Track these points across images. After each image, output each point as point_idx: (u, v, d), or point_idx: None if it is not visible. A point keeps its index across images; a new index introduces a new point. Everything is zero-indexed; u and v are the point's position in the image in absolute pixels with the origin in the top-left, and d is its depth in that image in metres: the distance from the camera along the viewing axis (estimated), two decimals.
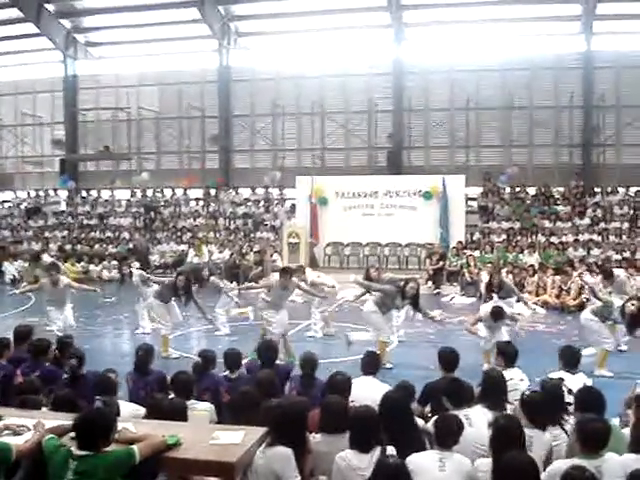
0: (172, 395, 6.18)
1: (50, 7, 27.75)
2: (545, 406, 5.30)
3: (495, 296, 11.50)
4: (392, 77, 26.15)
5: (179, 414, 5.34)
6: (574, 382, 6.26)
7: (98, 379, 6.35)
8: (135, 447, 4.24)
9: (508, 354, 7.05)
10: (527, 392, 5.58)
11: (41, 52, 29.77)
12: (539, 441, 4.95)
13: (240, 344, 9.35)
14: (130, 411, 5.93)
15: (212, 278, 13.11)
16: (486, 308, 10.43)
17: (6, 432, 4.74)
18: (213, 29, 26.93)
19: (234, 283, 14.37)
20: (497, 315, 9.89)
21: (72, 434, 4.31)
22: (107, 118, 28.84)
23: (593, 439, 4.48)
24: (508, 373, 6.52)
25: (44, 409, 5.60)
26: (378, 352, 8.57)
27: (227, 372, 7.15)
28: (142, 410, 5.85)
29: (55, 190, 29.13)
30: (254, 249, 22.57)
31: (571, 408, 5.58)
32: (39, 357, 7.18)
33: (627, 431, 5.19)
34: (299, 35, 27.10)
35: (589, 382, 6.49)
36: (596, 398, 5.42)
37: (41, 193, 29.17)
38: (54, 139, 29.47)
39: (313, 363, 6.94)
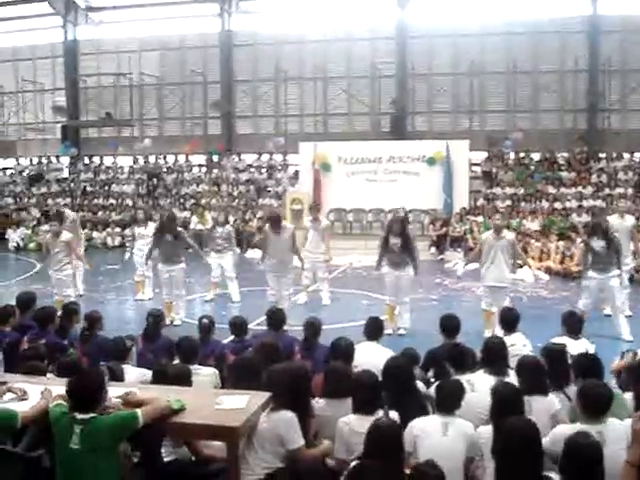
0: (177, 360, 6.25)
1: None
2: (544, 370, 5.34)
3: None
4: (395, 41, 25.88)
5: (184, 379, 5.38)
6: (576, 348, 6.29)
7: (110, 344, 6.41)
8: (139, 410, 4.27)
9: (510, 320, 7.07)
10: (524, 356, 5.62)
11: (41, 17, 29.46)
12: (540, 406, 4.97)
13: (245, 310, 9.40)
14: (137, 376, 5.99)
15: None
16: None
17: (10, 397, 4.79)
18: None
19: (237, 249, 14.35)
20: None
21: None
22: (108, 84, 28.61)
23: (595, 405, 4.50)
24: (510, 339, 6.54)
25: (49, 375, 5.65)
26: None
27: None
28: (149, 375, 5.90)
29: (57, 157, 29.03)
30: (257, 215, 22.60)
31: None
32: (45, 325, 7.23)
33: (628, 395, 5.23)
34: None
35: (591, 348, 6.52)
36: (595, 364, 5.45)
37: (43, 160, 29.07)
38: (55, 106, 29.24)
39: (316, 327, 6.99)
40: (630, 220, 11.89)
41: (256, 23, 27.66)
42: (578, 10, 24.52)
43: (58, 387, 4.69)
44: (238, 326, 7.28)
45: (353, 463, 4.30)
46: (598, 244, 9.88)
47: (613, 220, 11.56)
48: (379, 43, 26.15)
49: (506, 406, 4.55)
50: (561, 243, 17.20)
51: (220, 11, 27.43)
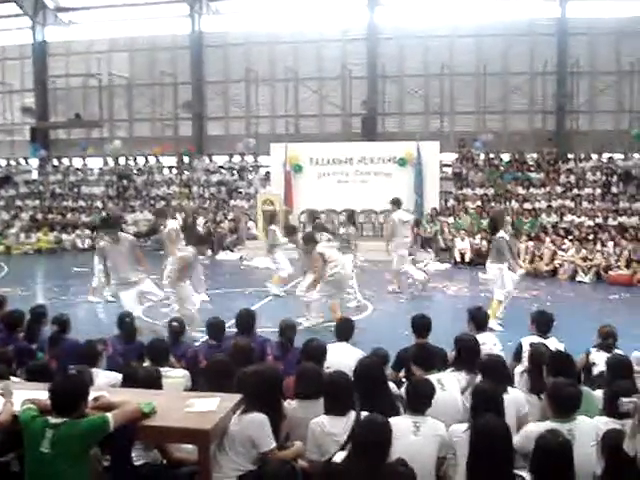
0: (147, 363, 6.21)
1: None
2: (508, 369, 5.42)
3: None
4: (366, 43, 25.98)
5: (154, 382, 5.34)
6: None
7: (81, 348, 6.35)
8: (109, 414, 4.24)
9: (479, 319, 7.12)
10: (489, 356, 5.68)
11: (9, 18, 29.12)
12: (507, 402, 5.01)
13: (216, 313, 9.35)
14: (106, 380, 5.93)
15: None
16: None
17: None
18: None
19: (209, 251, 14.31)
20: None
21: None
22: (78, 85, 28.41)
23: (565, 403, 4.56)
24: (480, 338, 6.58)
25: (17, 379, 5.59)
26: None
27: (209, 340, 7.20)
28: (119, 378, 5.86)
29: (26, 159, 28.70)
30: (228, 217, 22.54)
31: None
32: (13, 329, 7.15)
33: (597, 393, 5.29)
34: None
35: (561, 346, 6.58)
36: (567, 363, 5.52)
37: (12, 162, 28.72)
38: (24, 107, 28.93)
39: (292, 329, 6.99)
40: None
41: (226, 24, 27.64)
42: (547, 13, 24.82)
43: (27, 391, 4.64)
44: (215, 328, 7.17)
45: (333, 459, 4.30)
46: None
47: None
48: (350, 45, 26.22)
49: (487, 404, 4.58)
50: (530, 243, 17.36)
51: (190, 12, 27.31)
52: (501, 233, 11.03)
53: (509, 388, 5.24)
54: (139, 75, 28.27)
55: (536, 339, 6.64)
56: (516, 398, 5.16)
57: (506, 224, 11.59)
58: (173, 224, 12.08)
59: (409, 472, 3.92)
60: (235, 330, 7.27)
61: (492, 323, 9.50)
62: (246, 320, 7.31)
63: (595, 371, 6.38)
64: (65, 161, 28.47)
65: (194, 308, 10.06)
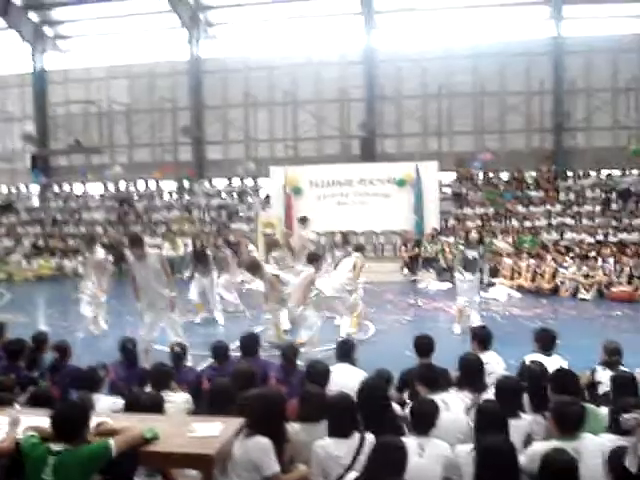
0: (149, 388, 6.18)
1: (17, 0, 27.38)
2: (522, 394, 5.37)
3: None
4: (363, 65, 26.13)
5: (156, 407, 5.32)
6: (550, 364, 6.32)
7: (82, 374, 6.32)
8: (111, 441, 4.22)
9: (483, 338, 7.09)
10: (505, 378, 5.62)
11: (9, 46, 29.34)
12: (514, 428, 4.97)
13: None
14: (108, 405, 5.91)
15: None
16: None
17: None
18: (183, 19, 26.76)
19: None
20: None
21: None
22: (78, 112, 28.55)
23: (569, 421, 4.53)
24: (484, 357, 6.55)
25: (18, 407, 5.56)
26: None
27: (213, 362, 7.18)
28: (121, 403, 5.83)
29: (27, 186, 28.78)
30: (229, 240, 22.51)
31: None
32: (15, 358, 7.12)
33: (603, 410, 5.26)
34: (270, 24, 26.83)
35: (565, 364, 6.56)
36: (571, 380, 5.49)
37: (13, 189, 28.81)
38: (24, 134, 29.06)
39: (294, 352, 6.97)
40: None
41: (225, 49, 27.82)
42: (543, 32, 24.96)
43: (29, 418, 4.62)
44: (219, 351, 7.17)
45: (352, 476, 4.26)
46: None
47: None
48: (348, 68, 26.34)
49: (491, 423, 4.55)
50: (532, 261, 17.37)
51: (189, 37, 27.49)
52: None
53: (521, 414, 5.20)
54: (138, 101, 28.41)
55: (539, 357, 6.61)
56: (522, 422, 5.12)
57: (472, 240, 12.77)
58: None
59: None
60: (239, 354, 7.26)
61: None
62: (250, 343, 7.31)
63: (600, 390, 6.34)
64: (66, 187, 28.52)
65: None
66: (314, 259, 11.17)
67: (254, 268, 11.33)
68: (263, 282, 11.31)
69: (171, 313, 9.54)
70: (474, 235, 12.92)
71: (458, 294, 12.45)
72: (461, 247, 13.00)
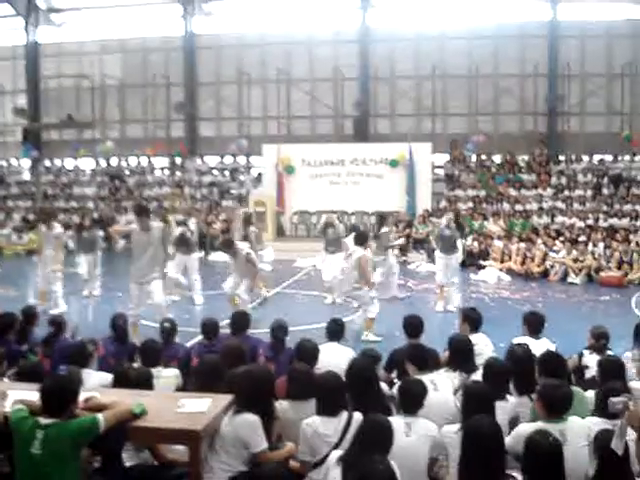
0: (138, 363, 6.19)
1: None
2: (509, 378, 5.39)
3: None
4: (358, 45, 25.99)
5: (144, 382, 5.33)
6: (538, 347, 6.35)
7: (72, 348, 6.31)
8: (100, 415, 4.21)
9: (473, 319, 7.11)
10: (493, 360, 5.64)
11: (2, 19, 29.08)
12: (501, 409, 4.99)
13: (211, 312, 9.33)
14: (97, 380, 5.90)
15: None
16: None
17: None
18: None
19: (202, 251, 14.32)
20: None
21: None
22: (70, 86, 28.29)
23: (556, 404, 4.54)
24: (473, 338, 6.58)
25: (6, 380, 5.56)
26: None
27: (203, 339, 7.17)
28: (110, 378, 5.82)
29: (18, 159, 28.62)
30: (220, 218, 22.48)
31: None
32: (5, 332, 7.11)
33: (589, 393, 5.29)
34: (264, 1, 26.65)
35: (552, 347, 6.59)
36: (559, 363, 5.52)
37: (3, 163, 28.66)
38: (16, 108, 28.80)
39: (284, 329, 6.97)
40: None
41: (219, 26, 27.60)
42: (538, 15, 24.88)
43: (17, 392, 4.62)
44: (209, 328, 7.16)
45: (337, 454, 4.29)
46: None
47: None
48: (342, 46, 26.21)
49: (478, 404, 4.58)
50: (522, 245, 17.40)
51: (183, 13, 27.27)
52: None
53: (507, 396, 5.23)
54: (131, 76, 28.21)
55: (528, 340, 6.64)
56: (509, 404, 5.15)
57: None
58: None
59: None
60: (229, 331, 7.27)
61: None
62: (240, 321, 7.31)
63: (588, 374, 6.38)
64: (57, 162, 28.39)
65: None
66: (364, 240, 10.96)
67: (227, 246, 11.42)
68: (235, 260, 11.28)
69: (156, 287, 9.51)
70: (449, 216, 13.59)
71: (435, 271, 13.08)
72: (441, 226, 13.50)
